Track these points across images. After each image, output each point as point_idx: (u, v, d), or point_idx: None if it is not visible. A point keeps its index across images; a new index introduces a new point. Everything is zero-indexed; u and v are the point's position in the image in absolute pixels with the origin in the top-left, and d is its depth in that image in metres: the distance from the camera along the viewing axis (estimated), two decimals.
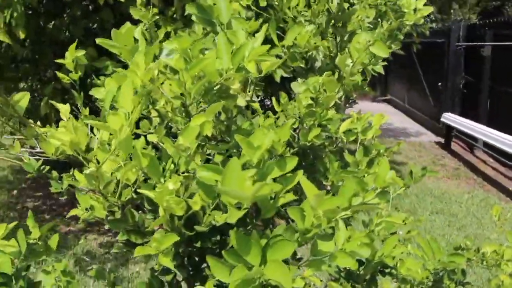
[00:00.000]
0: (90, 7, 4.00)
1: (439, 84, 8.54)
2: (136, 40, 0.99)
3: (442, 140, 8.30)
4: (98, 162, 0.85)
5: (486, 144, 7.13)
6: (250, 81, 1.35)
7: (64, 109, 0.93)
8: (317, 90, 1.14)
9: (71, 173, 1.54)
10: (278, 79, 1.88)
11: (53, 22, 3.99)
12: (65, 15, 3.98)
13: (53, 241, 1.38)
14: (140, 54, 0.83)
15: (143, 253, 0.81)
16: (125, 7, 3.55)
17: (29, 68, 4.43)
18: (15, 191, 5.44)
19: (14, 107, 1.03)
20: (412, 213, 5.13)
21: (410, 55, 10.06)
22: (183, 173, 0.97)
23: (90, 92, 1.34)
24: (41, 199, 5.27)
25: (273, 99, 1.28)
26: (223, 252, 0.88)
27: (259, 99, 1.32)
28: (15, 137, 1.14)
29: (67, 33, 3.96)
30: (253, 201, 0.79)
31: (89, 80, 3.38)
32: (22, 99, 1.06)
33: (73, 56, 1.21)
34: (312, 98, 1.16)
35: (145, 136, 1.14)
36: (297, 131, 1.20)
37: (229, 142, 1.17)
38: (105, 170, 0.84)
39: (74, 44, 1.19)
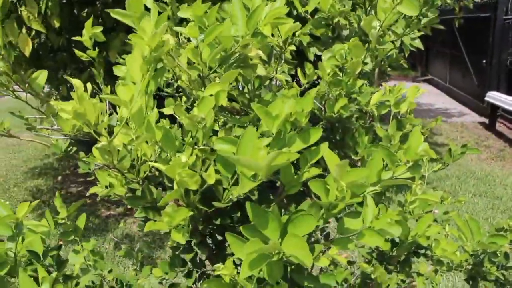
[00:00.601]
0: None
1: (484, 61, 8.14)
2: (148, 10, 0.95)
3: (486, 121, 7.94)
4: (110, 136, 0.82)
5: None
6: (275, 53, 1.29)
7: (78, 83, 0.91)
8: (343, 57, 1.07)
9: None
10: (311, 57, 1.80)
11: (86, 10, 4.03)
12: (97, 3, 4.02)
13: (81, 220, 1.38)
14: (147, 19, 0.78)
15: (154, 228, 0.78)
16: None
17: (66, 57, 4.52)
18: (59, 177, 5.61)
19: (32, 85, 1.01)
20: (453, 195, 4.94)
21: (452, 32, 9.63)
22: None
23: (114, 72, 1.32)
24: (83, 184, 5.42)
25: (299, 70, 1.22)
26: (241, 227, 0.83)
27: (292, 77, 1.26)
28: (37, 116, 1.13)
29: (100, 20, 3.99)
30: (269, 172, 0.74)
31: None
32: (39, 76, 1.04)
33: (90, 33, 1.19)
34: (337, 67, 1.09)
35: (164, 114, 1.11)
36: (324, 103, 1.13)
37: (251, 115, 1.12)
38: (117, 144, 0.81)
39: (90, 21, 1.16)
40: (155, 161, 0.96)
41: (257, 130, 0.82)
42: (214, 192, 0.97)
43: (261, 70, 1.00)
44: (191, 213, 0.78)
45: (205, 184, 0.82)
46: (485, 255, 1.52)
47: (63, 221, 1.37)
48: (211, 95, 0.90)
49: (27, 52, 3.00)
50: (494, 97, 7.36)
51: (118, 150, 0.91)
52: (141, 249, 3.50)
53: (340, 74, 1.06)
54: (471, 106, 8.94)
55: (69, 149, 1.53)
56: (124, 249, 1.57)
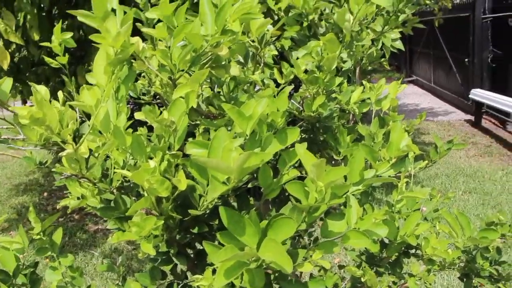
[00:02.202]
0: None
1: (466, 60, 8.21)
2: (114, 11, 0.90)
3: (472, 118, 7.99)
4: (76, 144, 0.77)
5: None
6: (252, 54, 1.26)
7: (39, 88, 0.86)
8: (319, 54, 1.04)
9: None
10: (286, 46, 1.76)
11: (65, 22, 3.97)
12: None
13: (57, 235, 1.33)
14: (111, 19, 0.74)
15: (122, 239, 0.73)
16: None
17: (47, 70, 4.44)
18: (45, 193, 5.51)
19: None
20: (444, 193, 4.93)
21: (434, 33, 9.72)
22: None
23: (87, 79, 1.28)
24: None
25: (275, 70, 1.18)
26: (217, 234, 0.79)
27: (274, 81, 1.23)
28: (4, 126, 1.08)
29: (81, 32, 3.93)
30: (242, 174, 0.70)
31: None
32: (3, 83, 0.99)
33: (60, 38, 1.14)
34: (314, 65, 1.05)
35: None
36: (302, 102, 1.09)
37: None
38: (83, 152, 0.76)
39: (59, 26, 1.12)
40: (126, 169, 0.91)
41: (230, 132, 0.78)
42: (189, 200, 0.93)
43: (234, 70, 0.96)
44: (161, 222, 0.74)
45: (176, 191, 0.78)
46: (477, 251, 1.49)
47: (39, 236, 1.32)
48: (181, 98, 0.85)
49: (5, 65, 2.93)
50: (478, 94, 7.41)
51: (87, 158, 0.86)
52: (123, 262, 3.42)
53: (317, 71, 1.03)
54: (456, 105, 9.00)
55: (44, 161, 1.47)
56: (106, 264, 1.51)
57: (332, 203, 0.89)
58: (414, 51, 11.62)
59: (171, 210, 0.80)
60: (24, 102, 4.70)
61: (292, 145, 0.94)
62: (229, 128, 1.02)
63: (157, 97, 1.43)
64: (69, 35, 1.17)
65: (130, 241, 4.08)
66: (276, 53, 1.40)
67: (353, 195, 0.95)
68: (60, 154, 0.78)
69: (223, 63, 0.94)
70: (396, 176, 1.69)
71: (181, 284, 1.16)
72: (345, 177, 0.94)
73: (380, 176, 0.96)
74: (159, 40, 0.96)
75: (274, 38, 1.30)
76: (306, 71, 1.07)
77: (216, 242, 0.80)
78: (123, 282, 1.48)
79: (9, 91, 1.03)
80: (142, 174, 0.71)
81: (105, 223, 4.61)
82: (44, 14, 3.98)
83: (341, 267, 1.65)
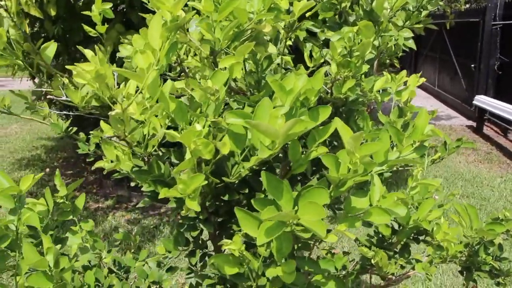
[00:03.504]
0: None
1: (472, 66, 8.25)
2: None
3: (474, 124, 8.05)
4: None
5: None
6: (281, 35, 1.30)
7: (89, 54, 0.90)
8: (351, 40, 1.08)
9: (97, 133, 1.53)
10: (307, 52, 1.81)
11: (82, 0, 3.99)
12: None
13: (80, 200, 1.37)
14: None
15: (168, 195, 0.78)
16: None
17: (60, 47, 4.47)
18: (47, 169, 5.54)
19: (42, 56, 1.00)
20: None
21: (441, 37, 9.75)
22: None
23: (118, 53, 1.32)
24: (72, 177, 5.37)
25: (305, 53, 1.22)
26: (252, 200, 0.84)
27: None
28: (43, 89, 1.12)
29: None
30: (287, 139, 0.74)
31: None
32: (49, 47, 1.03)
33: (100, 8, 1.18)
34: (346, 50, 1.10)
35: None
36: (331, 85, 1.14)
37: None
38: (131, 112, 0.81)
39: None
40: (164, 137, 0.95)
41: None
42: (222, 168, 0.97)
43: (272, 49, 1.00)
44: (206, 181, 0.78)
45: (218, 155, 0.82)
46: (480, 245, 1.54)
47: (62, 200, 1.36)
48: (225, 69, 0.90)
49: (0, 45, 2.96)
50: (482, 101, 7.46)
51: (131, 119, 0.91)
52: (138, 232, 3.48)
53: (348, 55, 1.07)
54: (459, 110, 9.06)
55: (69, 129, 1.52)
56: (122, 232, 1.56)
57: (359, 179, 0.94)
58: (420, 53, 11.65)
59: (210, 174, 0.84)
60: (33, 77, 4.73)
61: (322, 124, 0.99)
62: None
63: (181, 74, 1.48)
64: (108, 5, 1.21)
65: (130, 221, 4.11)
66: (291, 43, 1.44)
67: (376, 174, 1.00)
68: (109, 113, 0.82)
69: (263, 40, 0.98)
70: (407, 168, 1.74)
71: (201, 253, 1.21)
72: (371, 157, 0.98)
73: (403, 158, 1.01)
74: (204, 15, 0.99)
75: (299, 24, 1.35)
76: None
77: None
78: (137, 251, 1.53)
79: (52, 56, 1.08)
80: (190, 135, 0.76)
81: (106, 202, 4.66)
82: None
83: (345, 253, 1.71)
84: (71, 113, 1.37)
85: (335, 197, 0.96)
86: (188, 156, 0.79)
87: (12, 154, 6.02)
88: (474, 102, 7.72)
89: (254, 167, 0.89)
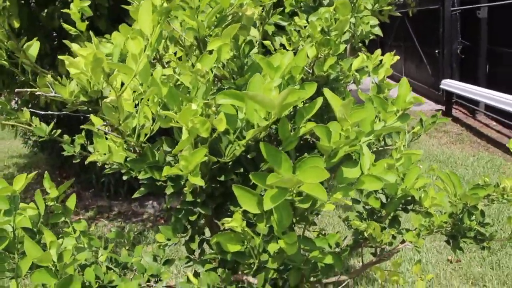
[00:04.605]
0: None
1: (436, 51, 8.49)
2: None
3: (443, 108, 8.28)
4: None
5: (487, 108, 7.11)
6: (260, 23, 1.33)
7: (76, 47, 0.91)
8: (328, 20, 1.12)
9: (82, 134, 1.53)
10: (277, 45, 1.86)
11: (45, 10, 3.93)
12: (57, 2, 3.93)
13: (71, 201, 1.37)
14: None
15: (171, 173, 0.79)
16: None
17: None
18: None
19: (26, 54, 1.00)
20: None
21: (404, 26, 9.99)
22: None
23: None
24: (45, 194, 5.26)
25: (284, 37, 1.26)
26: (250, 174, 0.86)
27: None
28: (28, 89, 1.12)
29: (60, 20, 3.91)
30: (283, 110, 0.77)
31: None
32: (32, 46, 1.04)
33: (78, 6, 1.19)
34: (323, 30, 1.13)
35: None
36: (312, 64, 1.17)
37: None
38: (126, 98, 0.82)
39: None
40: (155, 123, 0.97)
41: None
42: (216, 150, 0.99)
43: (254, 32, 1.03)
44: (206, 157, 0.80)
45: (213, 134, 0.85)
46: (464, 212, 1.60)
47: (53, 202, 1.35)
48: (211, 52, 0.92)
49: None
50: (449, 84, 7.68)
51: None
52: (131, 229, 3.45)
53: (328, 34, 1.11)
54: (427, 95, 9.30)
55: (52, 131, 1.51)
56: (114, 231, 1.55)
57: (350, 150, 0.98)
58: (385, 43, 11.90)
59: (207, 154, 0.86)
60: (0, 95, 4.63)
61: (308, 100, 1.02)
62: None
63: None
64: (86, 3, 1.22)
65: (112, 230, 4.05)
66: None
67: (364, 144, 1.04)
68: (104, 100, 0.84)
69: (245, 24, 1.00)
70: (386, 148, 1.80)
71: (200, 239, 1.23)
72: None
73: (389, 126, 1.05)
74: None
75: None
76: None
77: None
78: (132, 247, 1.54)
79: (36, 54, 1.08)
80: (186, 114, 0.78)
81: (87, 213, 4.59)
82: (23, 2, 3.94)
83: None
84: (55, 112, 1.37)
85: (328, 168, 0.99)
86: (185, 136, 0.81)
87: None
88: (441, 86, 7.94)
89: (247, 146, 0.91)
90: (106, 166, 1.28)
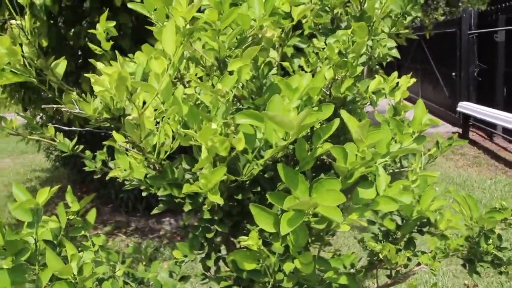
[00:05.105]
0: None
1: (453, 74, 8.46)
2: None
3: (460, 130, 8.20)
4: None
5: (505, 131, 7.03)
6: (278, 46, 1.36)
7: (101, 65, 0.95)
8: (346, 42, 1.14)
9: (103, 150, 1.56)
10: (295, 67, 1.90)
11: (72, 30, 4.05)
12: (84, 22, 4.04)
13: (91, 215, 1.39)
14: None
15: (191, 190, 0.81)
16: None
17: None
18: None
19: (53, 72, 1.05)
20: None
21: (421, 48, 10.00)
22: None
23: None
24: (68, 207, 5.33)
25: (302, 59, 1.28)
26: (267, 194, 0.88)
27: None
28: (54, 106, 1.16)
29: (86, 40, 4.01)
30: (300, 131, 0.79)
31: None
32: (60, 64, 1.08)
33: (104, 26, 1.23)
34: (341, 52, 1.16)
35: None
36: (329, 86, 1.20)
37: None
38: (148, 116, 0.85)
39: (105, 15, 1.21)
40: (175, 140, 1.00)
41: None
42: (234, 169, 1.01)
43: (273, 53, 1.05)
44: (225, 176, 0.82)
45: (232, 152, 0.87)
46: (481, 236, 1.59)
47: (73, 216, 1.38)
48: (231, 73, 0.95)
49: None
50: (466, 107, 7.63)
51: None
52: (149, 245, 3.46)
53: (345, 56, 1.13)
54: (444, 117, 9.24)
55: (75, 147, 1.55)
56: (132, 246, 1.58)
57: (365, 170, 0.99)
58: (402, 65, 11.91)
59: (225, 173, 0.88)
60: (25, 110, 4.75)
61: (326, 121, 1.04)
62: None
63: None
64: (111, 24, 1.27)
65: (129, 245, 4.11)
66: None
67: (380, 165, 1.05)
68: (127, 118, 0.87)
69: (265, 46, 1.03)
70: (402, 170, 1.80)
71: (216, 256, 1.24)
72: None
73: (405, 148, 1.06)
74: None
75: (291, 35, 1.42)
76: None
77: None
78: (149, 263, 1.56)
79: (63, 72, 1.12)
80: (206, 133, 0.80)
81: (105, 228, 4.62)
82: (52, 22, 4.05)
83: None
84: (78, 129, 1.41)
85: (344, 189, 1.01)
86: (204, 154, 0.84)
87: (6, 188, 5.97)
88: (458, 108, 7.89)
89: (264, 165, 0.93)
90: (126, 182, 1.31)
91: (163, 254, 3.78)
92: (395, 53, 2.71)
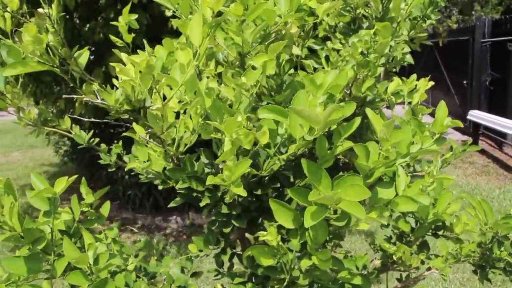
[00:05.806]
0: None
1: (465, 82, 8.42)
2: None
3: (470, 139, 8.15)
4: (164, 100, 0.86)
5: None
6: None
7: (124, 56, 0.95)
8: (368, 42, 1.14)
9: (119, 144, 1.57)
10: (310, 69, 1.89)
11: (87, 25, 4.07)
12: (99, 18, 4.06)
13: (105, 208, 1.40)
14: None
15: (214, 182, 0.81)
16: (157, 7, 3.62)
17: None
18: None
19: (77, 62, 1.05)
20: None
21: (433, 56, 9.96)
22: None
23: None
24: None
25: (322, 59, 1.28)
26: (288, 190, 0.88)
27: None
28: (75, 96, 1.16)
29: (101, 35, 4.03)
30: (326, 126, 0.79)
31: None
32: (83, 54, 1.08)
33: (126, 19, 1.24)
34: (362, 52, 1.15)
35: None
36: (351, 85, 1.19)
37: None
38: (172, 107, 0.85)
39: (128, 7, 1.21)
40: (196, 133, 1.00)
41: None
42: (254, 164, 1.01)
43: (296, 50, 1.05)
44: (249, 168, 0.82)
45: (256, 145, 0.86)
46: (494, 242, 1.57)
47: (87, 208, 1.39)
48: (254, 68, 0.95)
49: None
50: (476, 115, 7.58)
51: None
52: (160, 240, 3.47)
53: (367, 56, 1.13)
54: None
55: (90, 140, 1.55)
56: (143, 241, 1.58)
57: (386, 170, 0.99)
58: (413, 72, 11.85)
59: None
60: (37, 103, 4.78)
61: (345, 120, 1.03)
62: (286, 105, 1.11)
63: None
64: (133, 16, 1.27)
65: (136, 242, 4.14)
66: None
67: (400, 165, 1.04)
68: (150, 108, 0.87)
69: (288, 42, 1.03)
70: (415, 174, 1.79)
71: (231, 252, 1.24)
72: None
73: (425, 149, 1.05)
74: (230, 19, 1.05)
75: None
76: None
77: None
78: (160, 258, 1.56)
79: (85, 62, 1.13)
80: (231, 125, 0.80)
81: (111, 224, 4.63)
82: (68, 17, 4.08)
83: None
84: (95, 120, 1.42)
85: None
86: (228, 146, 0.83)
87: (15, 181, 6.01)
88: (468, 117, 7.85)
89: (285, 160, 0.93)
90: (141, 176, 1.31)
91: (169, 252, 3.78)
92: (409, 58, 2.70)
